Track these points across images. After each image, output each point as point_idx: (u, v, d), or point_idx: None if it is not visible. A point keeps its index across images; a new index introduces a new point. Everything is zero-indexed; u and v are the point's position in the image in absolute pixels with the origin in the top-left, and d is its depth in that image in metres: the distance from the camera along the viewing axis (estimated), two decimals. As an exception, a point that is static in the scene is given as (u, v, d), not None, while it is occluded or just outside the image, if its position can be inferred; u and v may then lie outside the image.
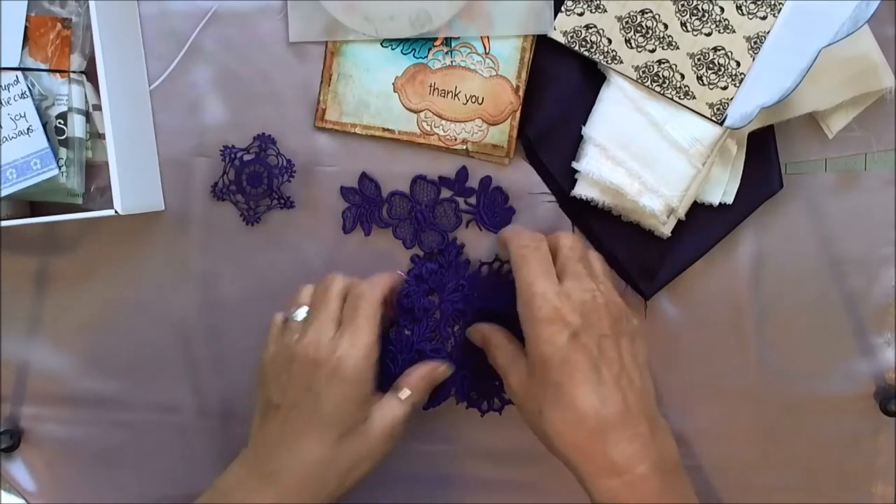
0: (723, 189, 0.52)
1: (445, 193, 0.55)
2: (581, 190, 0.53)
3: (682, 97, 0.51)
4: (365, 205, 0.55)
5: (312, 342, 0.46)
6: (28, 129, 0.50)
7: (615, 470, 0.42)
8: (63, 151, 0.51)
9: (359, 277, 0.55)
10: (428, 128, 0.53)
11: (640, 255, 0.54)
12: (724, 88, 0.51)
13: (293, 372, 0.46)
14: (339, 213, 0.55)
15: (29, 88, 0.50)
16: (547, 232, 0.54)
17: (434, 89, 0.53)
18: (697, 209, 0.53)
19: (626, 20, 0.51)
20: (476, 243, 0.55)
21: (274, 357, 0.48)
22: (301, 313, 0.49)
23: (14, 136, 0.50)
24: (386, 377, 0.50)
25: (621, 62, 0.51)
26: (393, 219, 0.55)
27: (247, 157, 0.54)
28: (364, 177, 0.54)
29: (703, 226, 0.53)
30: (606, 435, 0.42)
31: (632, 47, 0.51)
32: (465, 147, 0.53)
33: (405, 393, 0.49)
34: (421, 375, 0.50)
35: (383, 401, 0.48)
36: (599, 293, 0.45)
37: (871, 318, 0.55)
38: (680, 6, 0.51)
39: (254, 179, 0.54)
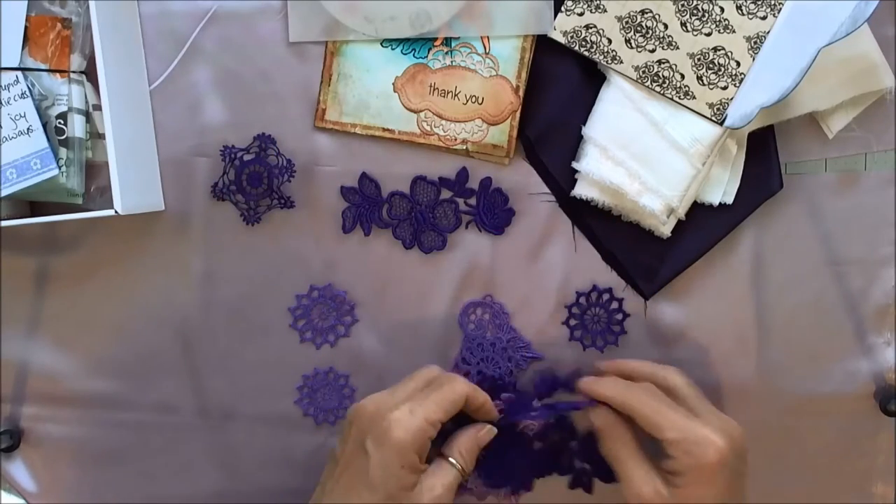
0: (723, 189, 0.52)
1: (445, 194, 0.55)
2: (581, 190, 0.53)
3: (682, 97, 0.51)
4: (365, 205, 0.55)
5: (376, 399, 0.46)
6: (28, 129, 0.50)
7: None
8: (63, 151, 0.51)
9: (357, 276, 0.56)
10: (428, 128, 0.53)
11: (640, 255, 0.54)
12: (724, 88, 0.51)
13: (353, 426, 0.46)
14: (339, 212, 0.55)
15: (29, 88, 0.50)
16: (547, 231, 0.55)
17: (434, 89, 0.53)
18: (697, 209, 0.53)
19: (626, 20, 0.51)
20: (476, 244, 0.55)
21: (351, 410, 0.48)
22: None
23: (14, 136, 0.50)
24: None
25: (621, 62, 0.51)
26: (393, 219, 0.55)
27: (247, 157, 0.54)
28: (364, 177, 0.54)
29: (703, 226, 0.53)
30: None
31: (632, 47, 0.51)
32: (465, 147, 0.53)
33: (454, 459, 0.48)
34: (467, 439, 0.49)
35: (433, 467, 0.47)
36: (739, 426, 0.46)
37: (871, 318, 0.55)
38: (680, 6, 0.51)
39: (254, 179, 0.54)
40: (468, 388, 0.48)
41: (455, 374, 0.50)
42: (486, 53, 0.52)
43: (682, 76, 0.51)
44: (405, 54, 0.53)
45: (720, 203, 0.52)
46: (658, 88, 0.51)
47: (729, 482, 0.44)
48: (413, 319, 0.56)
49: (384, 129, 0.54)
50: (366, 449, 0.45)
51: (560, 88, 0.53)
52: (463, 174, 0.54)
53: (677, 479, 0.45)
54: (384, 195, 0.55)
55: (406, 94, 0.53)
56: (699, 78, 0.51)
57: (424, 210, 0.54)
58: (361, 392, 0.57)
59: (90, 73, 0.51)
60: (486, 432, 0.50)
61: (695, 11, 0.51)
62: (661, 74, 0.51)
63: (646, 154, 0.51)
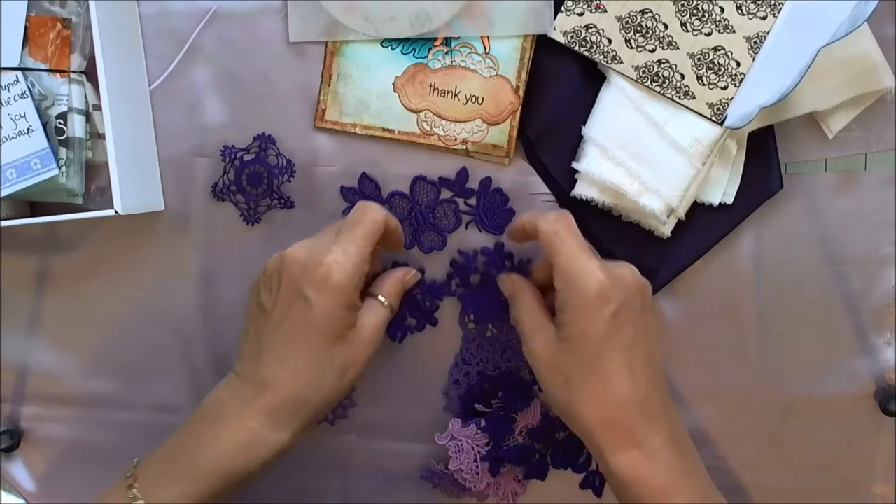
0: (723, 189, 0.52)
1: (445, 194, 0.55)
2: (581, 190, 0.53)
3: (682, 97, 0.51)
4: None
5: (304, 247, 0.47)
6: (28, 129, 0.50)
7: (635, 442, 0.44)
8: (63, 151, 0.51)
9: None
10: (428, 128, 0.53)
11: (640, 255, 0.54)
12: (724, 88, 0.51)
13: (283, 277, 0.46)
14: (339, 213, 0.55)
15: (29, 88, 0.50)
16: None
17: (434, 89, 0.53)
18: (697, 209, 0.53)
19: (626, 20, 0.51)
20: (476, 244, 0.55)
21: (267, 263, 0.48)
22: None
23: (14, 136, 0.50)
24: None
25: (621, 62, 0.51)
26: (393, 219, 0.55)
27: (247, 158, 0.54)
28: (364, 177, 0.54)
29: (703, 226, 0.53)
30: (632, 410, 0.44)
31: (632, 47, 0.51)
32: (465, 147, 0.53)
33: (382, 298, 0.50)
34: (394, 280, 0.52)
35: (366, 306, 0.49)
36: (632, 267, 0.47)
37: (871, 318, 0.55)
38: (680, 6, 0.51)
39: (254, 179, 0.54)
40: (384, 212, 0.49)
41: (365, 203, 0.50)
42: (486, 53, 0.52)
43: (682, 76, 0.51)
44: (405, 54, 0.53)
45: (720, 203, 0.52)
46: (658, 88, 0.51)
47: (615, 316, 0.44)
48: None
49: (384, 129, 0.54)
50: (305, 296, 0.45)
51: (560, 88, 0.53)
52: (463, 174, 0.54)
53: (562, 315, 0.45)
54: (384, 195, 0.55)
55: (406, 94, 0.53)
56: (699, 78, 0.51)
57: (424, 210, 0.54)
58: (361, 392, 0.57)
59: (90, 73, 0.51)
60: (412, 276, 0.53)
61: (695, 11, 0.51)
62: (661, 74, 0.51)
63: (646, 154, 0.51)
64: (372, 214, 0.48)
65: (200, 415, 0.48)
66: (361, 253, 0.46)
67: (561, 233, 0.46)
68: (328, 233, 0.48)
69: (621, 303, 0.44)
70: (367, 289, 0.50)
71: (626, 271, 0.46)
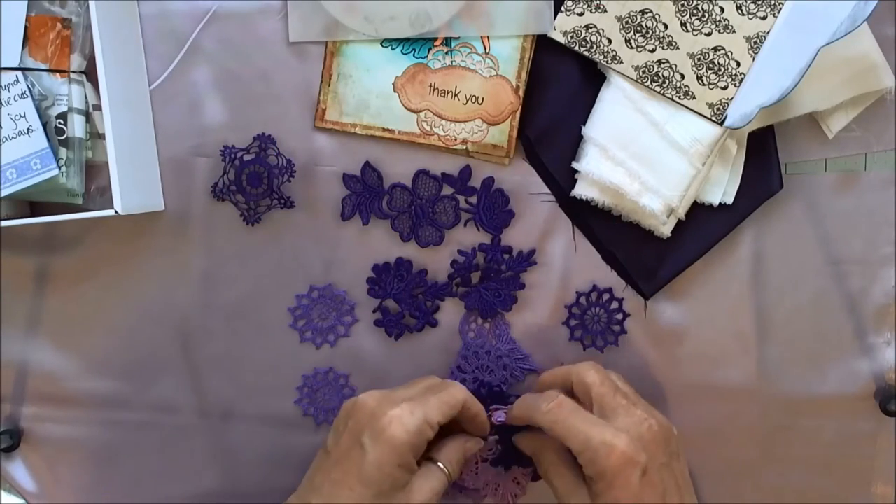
0: (723, 189, 0.52)
1: (447, 191, 0.55)
2: (581, 190, 0.53)
3: (682, 97, 0.51)
4: (366, 193, 0.54)
5: (376, 396, 0.46)
6: (28, 129, 0.50)
7: None
8: (63, 151, 0.51)
9: (354, 267, 0.55)
10: (428, 128, 0.53)
11: (640, 255, 0.54)
12: (724, 88, 0.51)
13: (350, 420, 0.46)
14: (339, 213, 0.55)
15: (29, 88, 0.50)
16: (544, 232, 0.55)
17: (434, 89, 0.53)
18: (697, 209, 0.53)
19: (626, 20, 0.51)
20: (473, 242, 0.55)
21: (345, 405, 0.48)
22: None
23: (14, 136, 0.50)
24: None
25: (621, 62, 0.51)
26: (392, 210, 0.55)
27: (247, 158, 0.54)
28: (367, 166, 0.54)
29: (703, 226, 0.53)
30: None
31: (632, 47, 0.51)
32: (465, 147, 0.53)
33: (442, 464, 0.48)
34: (456, 448, 0.50)
35: (424, 470, 0.47)
36: (652, 420, 0.46)
37: (871, 318, 0.55)
38: (680, 6, 0.51)
39: (254, 179, 0.54)
40: (466, 395, 0.48)
41: (454, 381, 0.51)
42: (486, 53, 0.52)
43: (682, 76, 0.51)
44: (405, 54, 0.53)
45: (720, 203, 0.52)
46: (658, 88, 0.51)
47: (647, 478, 0.44)
48: (413, 319, 0.56)
49: (384, 129, 0.54)
50: (362, 444, 0.44)
51: (560, 88, 0.53)
52: (466, 171, 0.54)
53: (594, 485, 0.45)
54: (386, 187, 0.55)
55: (406, 94, 0.53)
56: (699, 78, 0.51)
57: (425, 204, 0.54)
58: (361, 392, 0.57)
59: (90, 73, 0.51)
60: (474, 443, 0.51)
61: (695, 11, 0.51)
62: (661, 74, 0.51)
63: (646, 154, 0.51)
64: (454, 390, 0.48)
65: None
66: (429, 417, 0.45)
67: (560, 419, 0.46)
68: (408, 387, 0.49)
69: (646, 463, 0.44)
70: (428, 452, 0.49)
71: (644, 428, 0.45)
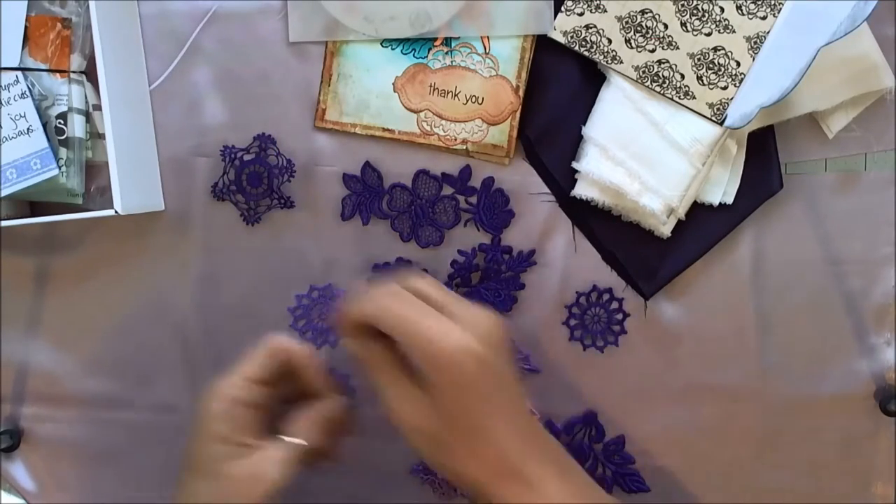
0: (723, 189, 0.52)
1: (447, 191, 0.55)
2: (581, 190, 0.53)
3: (682, 97, 0.51)
4: (366, 193, 0.54)
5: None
6: (28, 129, 0.50)
7: (524, 486, 0.41)
8: (63, 151, 0.51)
9: (353, 266, 0.55)
10: (428, 128, 0.53)
11: (640, 255, 0.54)
12: (724, 88, 0.51)
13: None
14: (339, 213, 0.55)
15: (29, 88, 0.50)
16: (544, 232, 0.55)
17: (434, 89, 0.53)
18: (697, 209, 0.53)
19: (626, 20, 0.51)
20: (473, 242, 0.55)
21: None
22: None
23: (14, 136, 0.50)
24: None
25: (621, 62, 0.51)
26: (392, 210, 0.55)
27: (247, 157, 0.54)
28: (367, 166, 0.54)
29: (703, 226, 0.53)
30: (512, 458, 0.41)
31: (632, 47, 0.51)
32: (465, 147, 0.53)
33: (294, 439, 0.44)
34: (311, 411, 0.46)
35: (265, 444, 0.44)
36: (491, 313, 0.42)
37: (871, 318, 0.55)
38: (680, 6, 0.51)
39: (254, 179, 0.54)
40: (286, 342, 0.45)
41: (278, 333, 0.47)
42: (486, 53, 0.52)
43: (682, 76, 0.51)
44: (405, 54, 0.53)
45: (720, 203, 0.52)
46: (658, 88, 0.51)
47: (485, 367, 0.40)
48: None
49: (384, 129, 0.54)
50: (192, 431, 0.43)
51: (560, 88, 0.53)
52: (466, 171, 0.54)
53: (428, 379, 0.41)
54: (386, 187, 0.55)
55: (406, 94, 0.53)
56: (699, 78, 0.51)
57: (424, 204, 0.54)
58: (361, 392, 0.57)
59: (90, 73, 0.51)
60: (329, 403, 0.47)
61: (695, 11, 0.51)
62: (661, 74, 0.51)
63: (646, 154, 0.51)
64: (272, 339, 0.45)
65: None
66: (242, 373, 0.44)
67: (393, 307, 0.41)
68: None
69: (484, 352, 0.40)
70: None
71: (483, 318, 0.42)
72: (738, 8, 0.50)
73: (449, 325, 0.41)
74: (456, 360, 0.40)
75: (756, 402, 0.56)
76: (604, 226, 0.54)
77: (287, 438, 0.44)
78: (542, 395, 0.56)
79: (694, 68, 0.51)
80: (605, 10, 0.51)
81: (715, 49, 0.51)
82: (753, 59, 0.51)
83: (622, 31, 0.51)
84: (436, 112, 0.53)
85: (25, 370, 0.57)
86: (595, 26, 0.51)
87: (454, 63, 0.53)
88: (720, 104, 0.51)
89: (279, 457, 0.43)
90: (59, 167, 0.50)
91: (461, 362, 0.40)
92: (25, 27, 0.50)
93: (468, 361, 0.40)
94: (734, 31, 0.50)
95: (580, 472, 0.45)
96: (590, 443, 0.56)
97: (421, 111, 0.53)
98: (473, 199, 0.55)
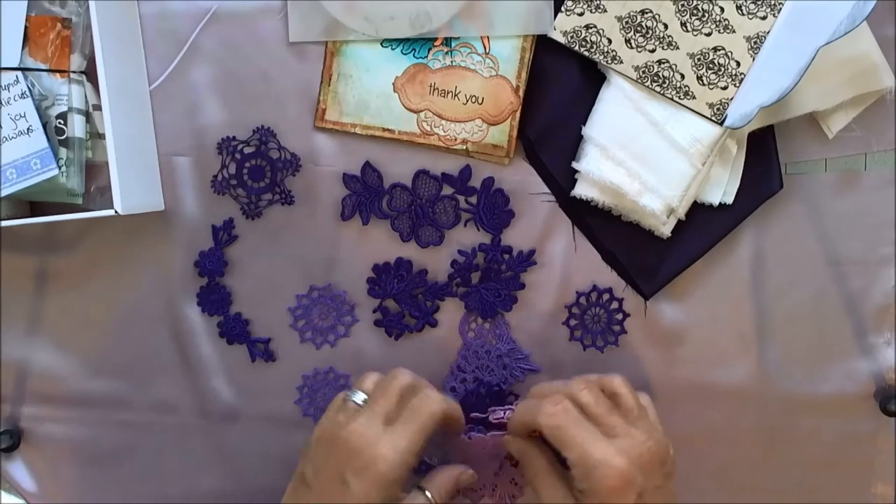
0: (723, 189, 0.52)
1: (447, 191, 0.55)
2: (581, 190, 0.53)
3: (682, 97, 0.51)
4: (366, 193, 0.54)
5: (357, 431, 0.45)
6: (28, 129, 0.50)
7: None
8: (63, 151, 0.51)
9: (353, 267, 0.55)
10: (428, 128, 0.53)
11: (640, 255, 0.54)
12: (724, 88, 0.51)
13: (331, 455, 0.46)
14: (339, 213, 0.55)
15: (29, 88, 0.50)
16: (544, 232, 0.55)
17: (434, 89, 0.53)
18: (697, 209, 0.53)
19: (626, 20, 0.51)
20: (473, 242, 0.55)
21: (321, 433, 0.47)
22: (360, 397, 0.48)
23: (14, 136, 0.50)
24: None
25: (621, 62, 0.51)
26: (392, 210, 0.55)
27: (247, 150, 0.54)
28: (367, 166, 0.54)
29: (703, 226, 0.53)
30: None
31: (632, 47, 0.51)
32: (465, 147, 0.53)
33: (430, 493, 0.48)
34: (448, 478, 0.49)
35: (411, 497, 0.47)
36: (651, 442, 0.45)
37: (871, 318, 0.55)
38: (680, 6, 0.51)
39: (256, 173, 0.54)
40: (443, 405, 0.47)
41: (426, 382, 0.49)
42: (486, 53, 0.52)
43: (682, 76, 0.51)
44: (405, 54, 0.53)
45: (720, 203, 0.52)
46: (658, 88, 0.51)
47: (639, 498, 0.43)
48: (413, 319, 0.56)
49: (384, 129, 0.54)
50: (346, 481, 0.44)
51: (560, 88, 0.53)
52: (466, 171, 0.54)
53: (584, 499, 0.45)
54: (386, 187, 0.55)
55: (406, 94, 0.53)
56: (699, 78, 0.51)
57: (424, 204, 0.54)
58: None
59: (90, 73, 0.51)
60: (468, 476, 0.50)
61: (695, 11, 0.51)
62: (661, 74, 0.51)
63: (646, 154, 0.51)
64: (431, 408, 0.47)
65: None
66: (412, 448, 0.45)
67: (563, 425, 0.45)
68: (383, 393, 0.47)
69: (643, 485, 0.44)
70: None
71: (644, 450, 0.45)
72: (738, 8, 0.50)
73: (611, 451, 0.44)
74: (614, 497, 0.43)
75: (756, 402, 0.56)
76: (604, 226, 0.54)
77: (429, 495, 0.48)
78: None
79: (694, 68, 0.51)
80: (605, 10, 0.51)
81: (715, 49, 0.51)
82: (753, 59, 0.51)
83: (622, 31, 0.51)
84: (436, 112, 0.53)
85: (25, 370, 0.57)
86: (595, 26, 0.51)
87: (454, 63, 0.53)
88: (720, 104, 0.51)
89: None
90: (59, 167, 0.50)
91: (621, 498, 0.43)
92: (25, 27, 0.50)
93: (627, 498, 0.44)
94: (734, 31, 0.50)
95: None
96: None
97: (421, 111, 0.53)
98: (473, 199, 0.55)
